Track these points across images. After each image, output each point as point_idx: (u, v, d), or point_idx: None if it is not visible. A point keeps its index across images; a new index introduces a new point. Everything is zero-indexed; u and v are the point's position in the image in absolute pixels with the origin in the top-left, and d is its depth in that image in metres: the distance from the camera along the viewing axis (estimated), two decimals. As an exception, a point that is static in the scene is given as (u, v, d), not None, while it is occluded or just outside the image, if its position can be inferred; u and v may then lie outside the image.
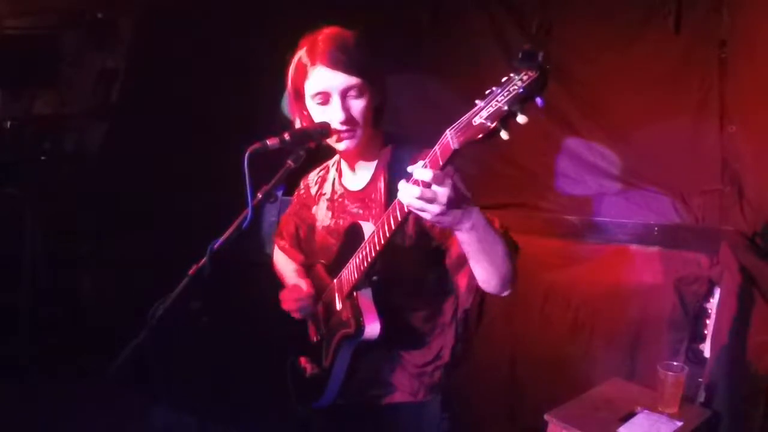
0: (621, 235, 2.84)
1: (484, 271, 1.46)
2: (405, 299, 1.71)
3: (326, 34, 1.60)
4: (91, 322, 4.19)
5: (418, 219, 1.51)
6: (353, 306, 1.64)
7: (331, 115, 1.57)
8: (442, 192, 1.27)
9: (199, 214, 3.27)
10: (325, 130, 1.57)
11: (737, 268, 2.39)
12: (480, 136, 1.16)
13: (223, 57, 3.92)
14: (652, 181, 2.82)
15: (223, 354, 3.24)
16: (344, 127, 1.59)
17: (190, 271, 1.43)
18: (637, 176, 2.86)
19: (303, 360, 1.90)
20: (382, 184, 1.67)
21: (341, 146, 1.64)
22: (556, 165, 3.05)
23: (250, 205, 1.41)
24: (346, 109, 1.57)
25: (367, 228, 1.61)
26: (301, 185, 1.98)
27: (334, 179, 1.85)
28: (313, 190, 1.93)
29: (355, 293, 1.65)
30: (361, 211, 1.73)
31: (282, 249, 2.09)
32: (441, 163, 1.26)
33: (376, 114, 1.66)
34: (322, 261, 1.86)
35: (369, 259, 1.55)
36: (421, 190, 1.27)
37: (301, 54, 1.60)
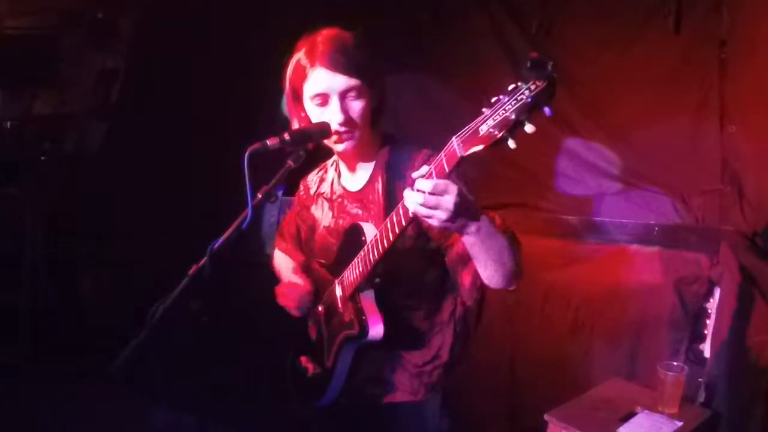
0: (621, 235, 2.84)
1: (489, 269, 1.46)
2: (405, 299, 1.71)
3: (325, 35, 1.60)
4: (91, 322, 4.20)
5: (417, 219, 1.51)
6: (356, 307, 1.64)
7: (330, 116, 1.57)
8: (448, 199, 1.27)
9: (199, 214, 3.26)
10: (324, 130, 1.57)
11: (737, 268, 2.39)
12: (486, 144, 1.16)
13: (223, 57, 3.92)
14: (652, 181, 2.82)
15: (223, 354, 3.25)
16: (343, 129, 1.59)
17: (190, 271, 1.43)
18: (637, 176, 2.86)
19: (304, 360, 1.90)
20: (380, 185, 1.67)
21: (340, 147, 1.64)
22: (556, 165, 3.04)
23: (250, 205, 1.41)
24: (345, 110, 1.57)
25: (368, 229, 1.62)
26: (301, 187, 1.99)
27: (333, 179, 1.85)
28: (312, 191, 1.93)
29: (357, 295, 1.65)
30: (360, 212, 1.73)
31: (284, 251, 2.09)
32: (447, 170, 1.26)
33: (374, 115, 1.66)
34: (322, 261, 1.86)
35: (372, 262, 1.55)
36: (425, 198, 1.27)
37: (300, 55, 1.60)
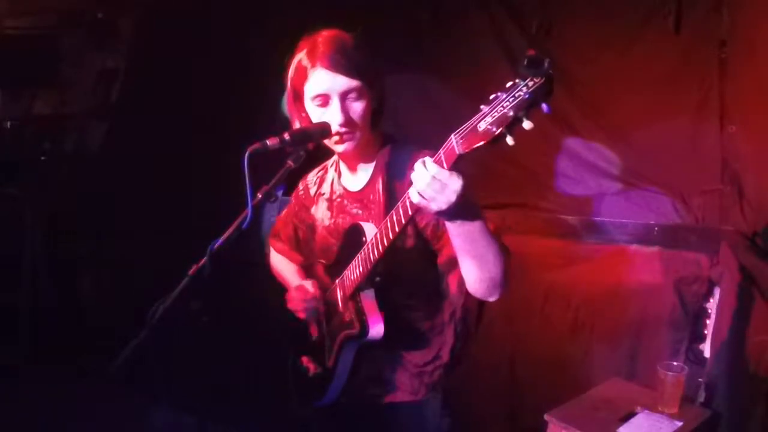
0: (621, 235, 2.84)
1: (473, 272, 1.46)
2: (405, 299, 1.71)
3: (325, 36, 1.60)
4: (91, 322, 4.20)
5: (417, 217, 1.51)
6: (357, 307, 1.65)
7: (330, 117, 1.58)
8: (455, 181, 1.26)
9: (199, 214, 3.26)
10: (325, 130, 1.57)
11: (737, 268, 2.39)
12: (485, 141, 1.17)
13: (223, 57, 3.92)
14: (652, 181, 2.82)
15: (223, 354, 3.25)
16: (343, 129, 1.59)
17: (190, 271, 1.43)
18: (637, 176, 2.86)
19: (305, 360, 1.90)
20: (380, 185, 1.67)
21: (340, 148, 1.64)
22: (556, 165, 3.04)
23: (250, 205, 1.41)
24: (345, 111, 1.57)
25: (368, 229, 1.62)
26: (300, 186, 1.98)
27: (333, 179, 1.85)
28: (312, 191, 1.93)
29: (358, 294, 1.65)
30: (360, 212, 1.73)
31: (280, 251, 2.09)
32: (446, 168, 1.26)
33: (374, 116, 1.66)
34: (323, 261, 1.86)
35: (372, 261, 1.55)
36: (432, 178, 1.26)
37: (301, 56, 1.60)
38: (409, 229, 1.62)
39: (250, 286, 3.08)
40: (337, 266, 1.74)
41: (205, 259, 1.42)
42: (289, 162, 1.51)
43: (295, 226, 2.02)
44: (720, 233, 2.56)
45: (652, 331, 2.60)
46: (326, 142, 1.63)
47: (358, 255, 1.61)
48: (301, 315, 1.85)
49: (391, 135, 1.75)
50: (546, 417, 2.18)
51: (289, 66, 1.64)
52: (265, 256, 2.19)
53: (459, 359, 1.79)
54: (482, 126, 1.16)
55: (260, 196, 1.45)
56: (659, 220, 2.77)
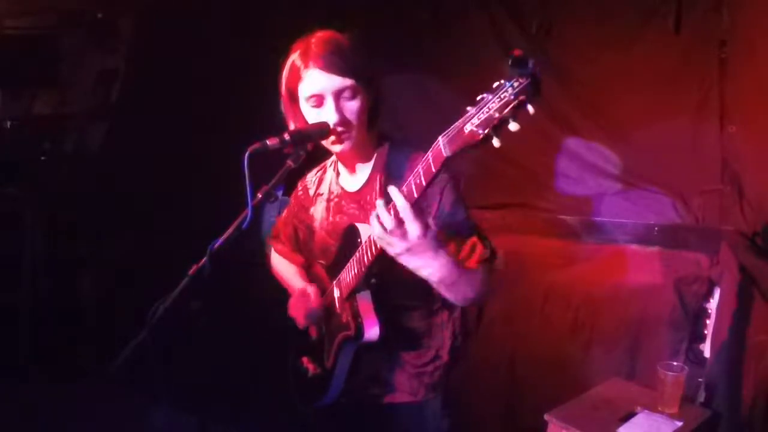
0: (621, 235, 2.84)
1: (447, 295, 1.55)
2: (402, 300, 1.71)
3: (319, 37, 1.61)
4: (91, 322, 4.20)
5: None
6: (353, 309, 1.65)
7: (325, 117, 1.58)
8: (413, 228, 1.33)
9: (199, 214, 3.26)
10: (324, 130, 1.57)
11: (737, 268, 2.39)
12: (471, 143, 1.16)
13: (223, 57, 3.92)
14: (652, 181, 2.82)
15: (223, 354, 3.25)
16: (339, 129, 1.59)
17: (190, 271, 1.43)
18: (637, 176, 2.86)
19: (305, 360, 1.90)
20: (378, 186, 1.67)
21: (337, 148, 1.64)
22: (556, 165, 3.04)
23: (249, 205, 1.41)
24: (339, 110, 1.58)
25: (364, 230, 1.61)
26: (299, 187, 1.98)
27: (332, 179, 1.85)
28: (311, 191, 1.93)
29: (354, 296, 1.65)
30: (358, 212, 1.73)
31: (280, 253, 2.09)
32: (434, 170, 1.26)
33: (370, 115, 1.66)
34: (322, 262, 1.86)
35: (366, 263, 1.55)
36: (391, 221, 1.33)
37: (295, 57, 1.61)
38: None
39: (250, 286, 3.08)
40: (335, 267, 1.74)
41: (205, 259, 1.42)
42: (289, 162, 1.51)
43: (295, 227, 2.02)
44: (720, 233, 2.56)
45: (652, 331, 2.60)
46: (323, 143, 1.63)
47: (353, 256, 1.61)
48: (302, 323, 1.85)
49: (388, 135, 1.75)
50: (546, 417, 2.18)
51: (284, 67, 1.64)
52: (265, 256, 2.19)
53: (458, 359, 1.79)
54: (468, 128, 1.15)
55: (260, 196, 1.45)
56: (659, 220, 2.77)
